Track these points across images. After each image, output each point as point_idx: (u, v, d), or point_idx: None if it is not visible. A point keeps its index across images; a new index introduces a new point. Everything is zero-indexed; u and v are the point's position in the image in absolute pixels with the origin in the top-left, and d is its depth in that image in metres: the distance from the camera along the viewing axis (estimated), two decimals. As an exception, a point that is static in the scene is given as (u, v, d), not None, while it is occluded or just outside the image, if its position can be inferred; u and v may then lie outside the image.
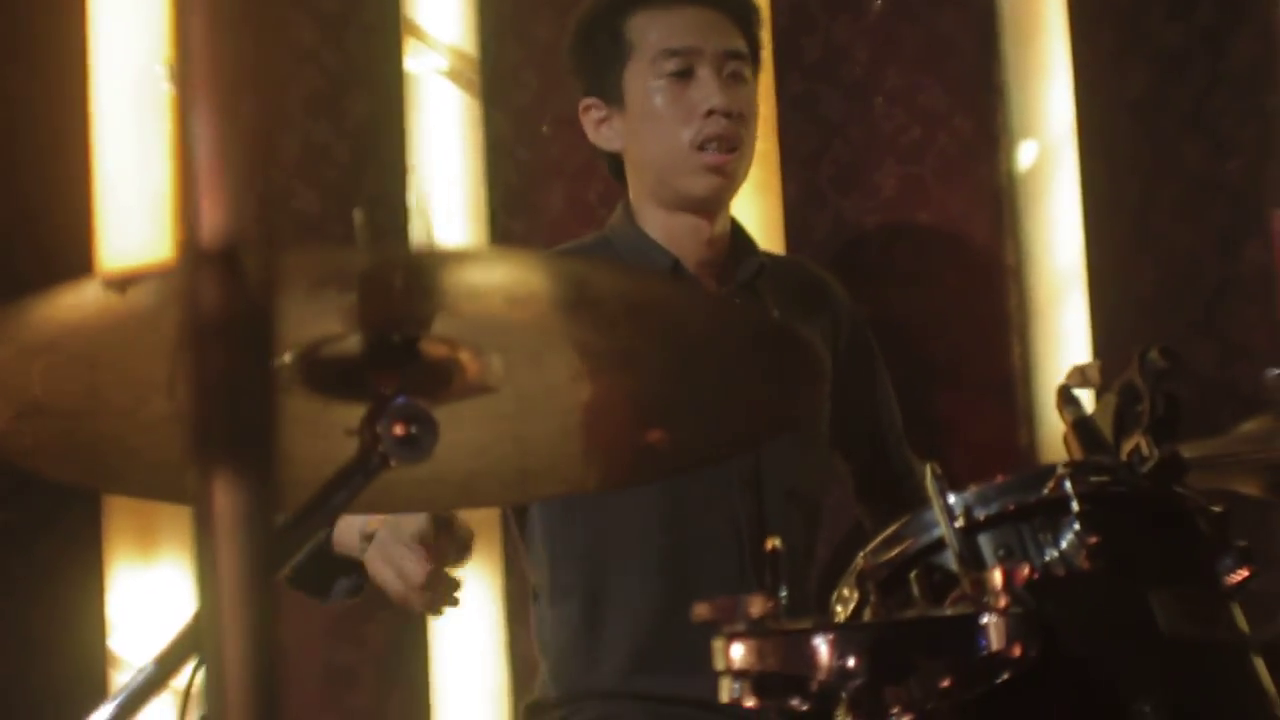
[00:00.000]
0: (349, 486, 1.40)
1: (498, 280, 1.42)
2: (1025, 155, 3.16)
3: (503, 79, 3.16)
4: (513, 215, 3.15)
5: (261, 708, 0.85)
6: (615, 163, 2.65)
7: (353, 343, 1.41)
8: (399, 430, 1.39)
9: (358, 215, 1.51)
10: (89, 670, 2.71)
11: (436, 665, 2.97)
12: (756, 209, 3.05)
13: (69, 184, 2.80)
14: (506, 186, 3.14)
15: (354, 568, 2.35)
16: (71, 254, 2.77)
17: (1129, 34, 3.16)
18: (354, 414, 1.41)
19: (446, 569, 2.22)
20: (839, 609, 1.70)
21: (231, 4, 0.91)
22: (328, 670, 2.96)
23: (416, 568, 2.20)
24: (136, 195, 2.82)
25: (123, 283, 1.24)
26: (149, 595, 2.75)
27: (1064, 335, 3.10)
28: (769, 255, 2.73)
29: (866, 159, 3.16)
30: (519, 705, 2.73)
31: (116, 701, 1.40)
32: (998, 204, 3.12)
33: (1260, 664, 1.69)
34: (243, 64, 0.90)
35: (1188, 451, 2.32)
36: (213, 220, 0.86)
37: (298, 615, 2.86)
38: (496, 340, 1.44)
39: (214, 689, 0.90)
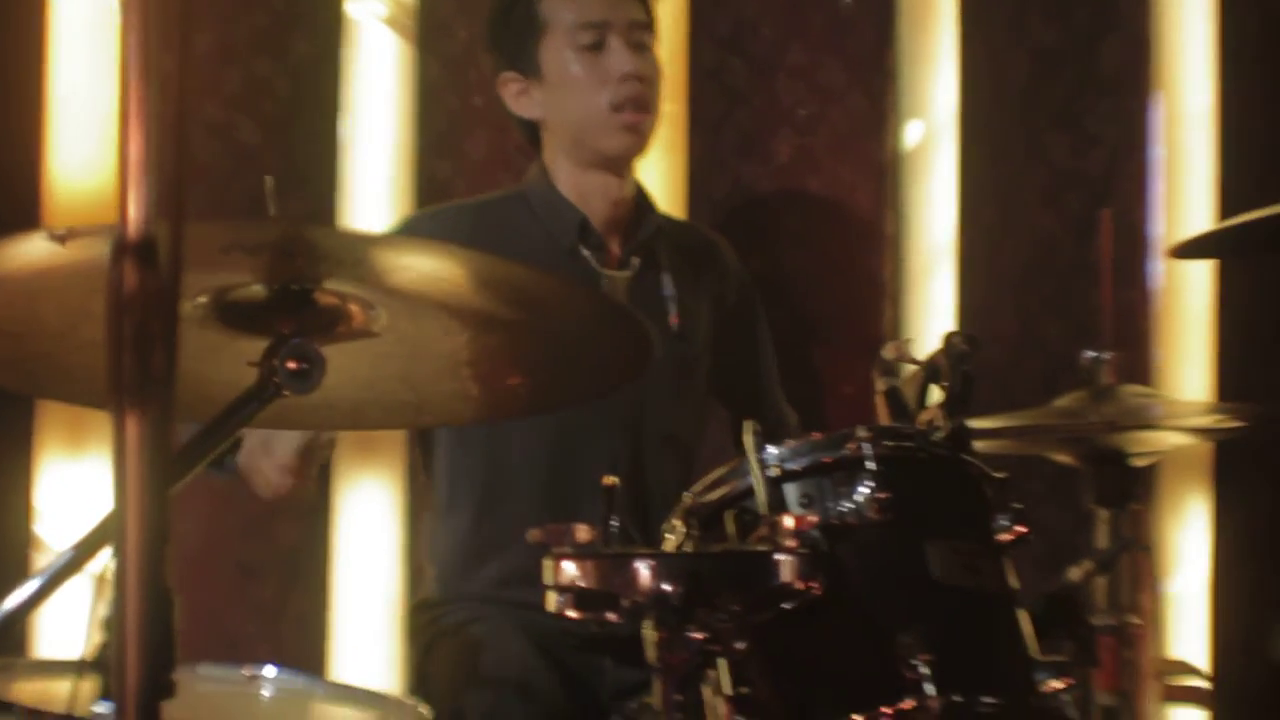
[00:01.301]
0: (248, 409, 1.67)
1: (383, 253, 1.69)
2: (911, 135, 3.41)
3: (437, 29, 3.34)
4: (440, 157, 3.34)
5: (151, 589, 1.10)
6: (529, 129, 2.89)
7: (258, 289, 1.68)
8: (292, 365, 1.66)
9: (269, 182, 1.76)
10: (13, 552, 2.93)
11: (337, 566, 3.20)
12: (663, 167, 3.29)
13: (21, 104, 2.99)
14: (435, 131, 3.33)
15: None
16: (22, 173, 2.97)
17: (1012, 32, 3.42)
18: (257, 348, 1.68)
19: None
20: (669, 538, 1.97)
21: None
22: (237, 566, 3.19)
23: (282, 481, 2.48)
24: (88, 117, 3.01)
25: (64, 236, 1.48)
26: (76, 487, 2.98)
27: (933, 303, 3.37)
28: (667, 218, 2.98)
29: (765, 128, 3.40)
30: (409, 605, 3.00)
31: (38, 581, 1.66)
32: (882, 178, 3.38)
33: (1023, 614, 1.96)
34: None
35: (1007, 421, 2.60)
36: (135, 210, 1.11)
37: (212, 515, 3.09)
38: (381, 296, 1.70)
39: (119, 574, 1.16)
